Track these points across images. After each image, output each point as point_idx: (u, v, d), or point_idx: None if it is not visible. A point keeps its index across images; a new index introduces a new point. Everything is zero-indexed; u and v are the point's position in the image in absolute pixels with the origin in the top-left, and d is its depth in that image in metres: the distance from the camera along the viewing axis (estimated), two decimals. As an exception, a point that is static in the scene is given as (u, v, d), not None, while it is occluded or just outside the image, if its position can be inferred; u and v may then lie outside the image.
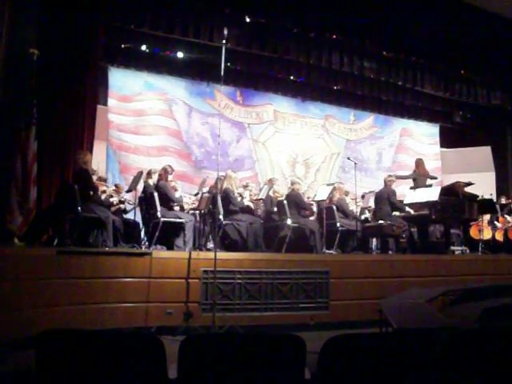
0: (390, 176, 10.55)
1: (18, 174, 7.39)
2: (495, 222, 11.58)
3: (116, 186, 9.97)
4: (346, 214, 10.21)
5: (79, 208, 7.51)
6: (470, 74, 12.86)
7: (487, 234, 11.23)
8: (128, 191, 9.09)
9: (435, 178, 11.47)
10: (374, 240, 10.92)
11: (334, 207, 9.99)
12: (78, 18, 8.60)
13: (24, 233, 7.34)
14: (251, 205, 9.58)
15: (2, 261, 5.95)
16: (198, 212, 9.15)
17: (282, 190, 10.54)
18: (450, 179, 12.34)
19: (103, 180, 9.44)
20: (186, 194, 10.05)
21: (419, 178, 11.19)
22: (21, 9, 7.65)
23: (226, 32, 7.99)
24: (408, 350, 2.75)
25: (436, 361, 2.71)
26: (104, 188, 8.97)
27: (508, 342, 2.84)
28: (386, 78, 12.48)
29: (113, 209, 8.99)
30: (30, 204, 7.48)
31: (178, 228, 8.47)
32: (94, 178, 8.54)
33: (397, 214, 10.01)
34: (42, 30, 8.25)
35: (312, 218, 10.16)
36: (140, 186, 8.87)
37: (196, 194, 9.75)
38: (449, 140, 16.39)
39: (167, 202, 8.68)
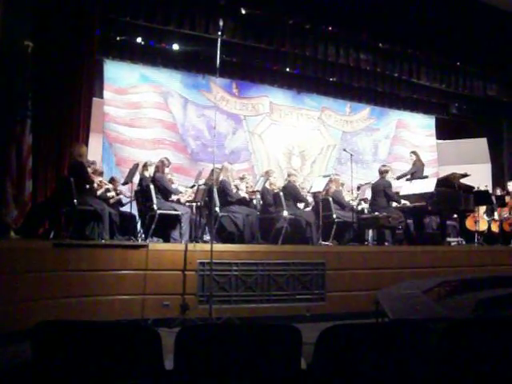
0: (383, 166, 10.55)
1: (13, 167, 7.38)
2: (485, 216, 11.61)
3: (112, 178, 9.96)
4: (342, 205, 10.21)
5: (75, 201, 7.49)
6: (465, 66, 12.84)
7: (483, 226, 11.27)
8: (124, 184, 9.09)
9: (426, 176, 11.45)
10: (371, 231, 10.93)
11: (330, 199, 10.00)
12: (73, 11, 8.56)
13: (20, 226, 7.33)
14: (247, 196, 9.58)
15: (-2, 254, 5.96)
16: (194, 204, 9.16)
17: (278, 182, 10.52)
18: (445, 171, 12.37)
19: (100, 173, 9.42)
20: (182, 187, 10.03)
21: (417, 169, 11.22)
22: (15, 1, 7.61)
23: (221, 24, 7.98)
24: (404, 341, 2.76)
25: (432, 351, 2.72)
26: (100, 180, 8.94)
27: (503, 332, 2.85)
28: (382, 70, 12.45)
29: (109, 201, 8.99)
30: (26, 197, 7.48)
31: (175, 220, 8.48)
32: (91, 170, 8.53)
33: (393, 205, 10.01)
34: (36, 22, 8.21)
35: (308, 209, 10.17)
36: (136, 179, 8.88)
37: (192, 187, 9.75)
38: (445, 132, 16.39)
39: (165, 193, 8.69)
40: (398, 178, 11.41)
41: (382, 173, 10.21)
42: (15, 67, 7.74)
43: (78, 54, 8.71)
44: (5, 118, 7.47)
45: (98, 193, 8.70)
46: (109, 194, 9.06)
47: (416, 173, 11.12)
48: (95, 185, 8.52)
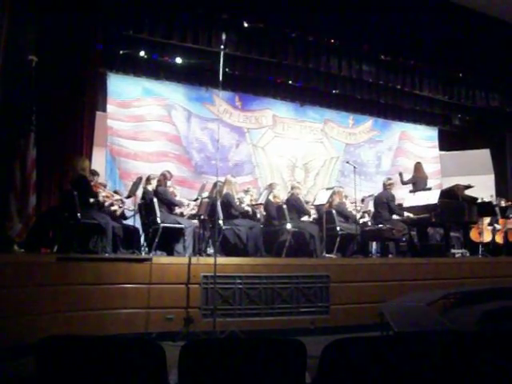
0: (389, 179, 10.55)
1: (17, 181, 7.40)
2: (495, 225, 11.58)
3: (115, 192, 9.96)
4: (346, 217, 10.20)
5: (78, 214, 7.50)
6: (468, 77, 12.87)
7: (487, 237, 11.24)
8: (127, 197, 9.10)
9: (429, 188, 11.46)
10: (374, 244, 10.92)
11: (334, 211, 9.98)
12: (76, 25, 8.62)
13: (24, 239, 7.34)
14: (250, 210, 9.57)
15: (1, 268, 5.95)
16: (197, 217, 9.16)
17: (281, 195, 10.53)
18: (449, 182, 12.35)
19: (103, 186, 9.44)
20: (185, 199, 10.03)
21: (419, 181, 11.21)
22: (19, 16, 7.66)
23: (224, 37, 8.00)
24: (408, 354, 2.75)
25: (436, 364, 2.71)
26: (105, 193, 8.94)
27: (508, 344, 2.84)
28: (385, 82, 12.49)
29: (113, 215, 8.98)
30: (30, 211, 7.49)
31: (178, 233, 8.48)
32: (93, 183, 8.52)
33: (396, 217, 10.00)
34: (40, 36, 8.27)
35: (310, 219, 10.16)
36: (139, 192, 8.88)
37: (196, 200, 9.75)
38: (448, 143, 16.40)
39: (169, 206, 8.70)
40: (404, 183, 11.44)
41: (386, 185, 10.23)
42: (19, 81, 7.78)
43: (81, 68, 8.78)
44: (9, 132, 7.50)
45: (106, 204, 8.73)
46: (113, 208, 9.06)
47: (417, 184, 11.11)
48: (101, 197, 8.53)
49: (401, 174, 11.94)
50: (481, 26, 11.52)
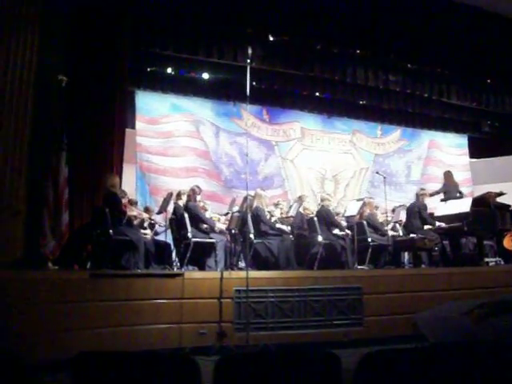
0: (422, 189, 10.47)
1: (50, 199, 7.49)
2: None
3: (146, 208, 10.04)
4: (375, 229, 10.14)
5: (111, 231, 7.56)
6: (496, 83, 12.75)
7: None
8: (158, 213, 9.16)
9: (461, 194, 11.31)
10: (406, 254, 10.82)
11: (365, 222, 9.93)
12: (104, 45, 8.73)
13: (57, 257, 7.42)
14: (282, 227, 9.53)
15: (36, 285, 6.04)
16: (228, 231, 9.17)
17: (312, 207, 10.51)
18: (480, 190, 12.21)
19: (134, 203, 9.51)
20: (216, 214, 10.06)
21: (449, 189, 11.09)
22: (49, 36, 7.79)
23: (250, 51, 8.06)
24: (445, 365, 2.72)
25: (474, 374, 2.68)
26: (135, 213, 8.98)
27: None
28: (412, 91, 12.43)
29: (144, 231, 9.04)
30: (63, 228, 7.57)
31: (209, 248, 8.50)
32: (125, 200, 8.59)
33: (428, 226, 9.91)
34: (69, 56, 8.40)
35: (342, 232, 10.10)
36: (170, 208, 8.93)
37: (226, 214, 9.78)
38: (478, 150, 16.23)
39: (197, 222, 8.72)
40: (431, 195, 11.31)
41: (419, 195, 10.15)
42: (50, 101, 7.91)
43: (110, 87, 8.87)
44: (41, 151, 7.61)
45: (135, 223, 8.79)
46: (143, 231, 9.09)
47: (448, 193, 11.00)
48: (133, 216, 8.59)
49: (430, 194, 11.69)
50: (507, 31, 11.40)
